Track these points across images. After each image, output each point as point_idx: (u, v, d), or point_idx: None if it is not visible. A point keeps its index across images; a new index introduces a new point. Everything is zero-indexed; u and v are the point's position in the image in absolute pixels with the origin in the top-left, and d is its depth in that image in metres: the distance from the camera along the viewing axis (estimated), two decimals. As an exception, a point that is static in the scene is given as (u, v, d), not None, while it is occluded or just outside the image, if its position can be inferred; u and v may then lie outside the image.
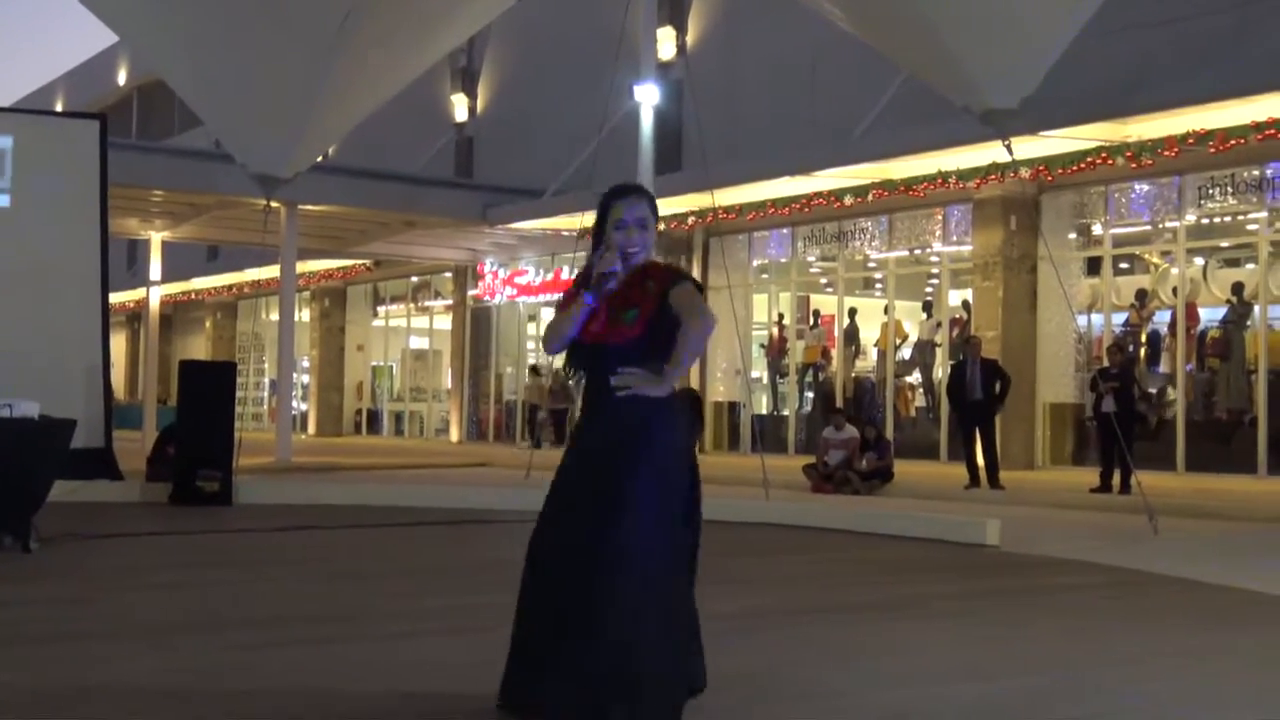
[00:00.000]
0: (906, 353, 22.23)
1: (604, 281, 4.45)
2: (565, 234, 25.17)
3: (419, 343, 34.85)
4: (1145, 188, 18.27)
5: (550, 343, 4.58)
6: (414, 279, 33.21)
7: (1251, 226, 17.70)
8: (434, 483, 16.59)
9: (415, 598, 7.47)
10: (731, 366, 23.76)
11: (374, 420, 34.84)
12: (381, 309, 35.08)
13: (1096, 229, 19.14)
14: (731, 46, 24.28)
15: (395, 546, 10.38)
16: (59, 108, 45.20)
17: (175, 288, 36.54)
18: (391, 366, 35.40)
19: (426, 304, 33.41)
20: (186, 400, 13.85)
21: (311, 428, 34.29)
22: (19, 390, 10.06)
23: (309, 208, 23.29)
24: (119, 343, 39.81)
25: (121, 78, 45.93)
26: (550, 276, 27.55)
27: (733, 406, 24.15)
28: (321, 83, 15.27)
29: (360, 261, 32.16)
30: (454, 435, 30.40)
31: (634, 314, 4.41)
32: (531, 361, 28.11)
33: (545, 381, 26.87)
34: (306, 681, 5.12)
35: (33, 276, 14.21)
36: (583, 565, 4.19)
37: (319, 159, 20.28)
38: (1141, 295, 19.16)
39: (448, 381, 31.63)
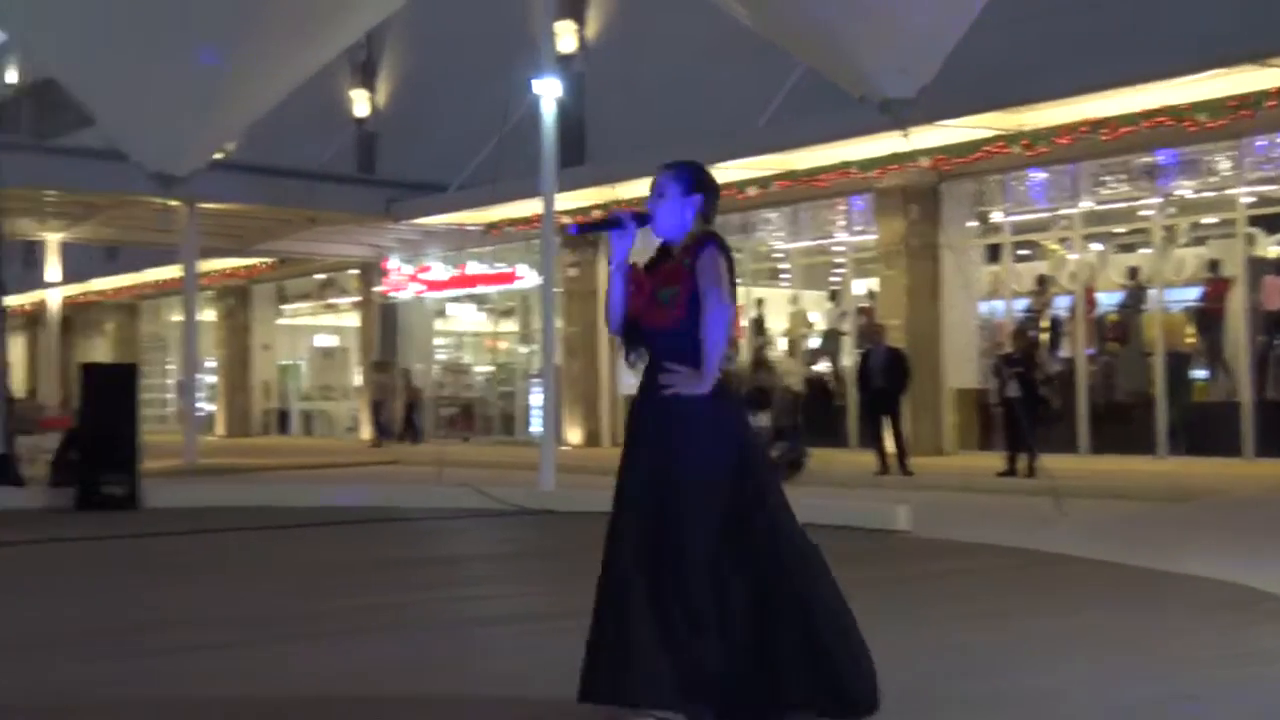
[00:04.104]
0: (814, 341, 22.43)
1: (608, 229, 4.39)
2: (470, 228, 25.08)
3: (326, 341, 34.51)
4: (1042, 175, 18.59)
5: (608, 321, 4.46)
6: (319, 276, 32.87)
7: (1145, 212, 18.07)
8: (344, 482, 16.48)
9: (326, 598, 7.43)
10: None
11: (283, 420, 34.45)
12: (287, 307, 34.68)
13: (996, 216, 19.43)
14: (631, 39, 24.29)
15: (304, 547, 10.30)
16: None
17: (75, 289, 35.85)
18: (299, 365, 35.03)
19: (332, 301, 33.10)
20: (89, 404, 13.62)
21: (219, 429, 33.84)
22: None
23: (209, 206, 22.96)
24: (18, 346, 38.99)
25: (12, 76, 44.96)
26: (457, 271, 27.42)
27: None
28: (218, 78, 15.11)
29: (263, 260, 31.79)
30: (364, 433, 30.17)
31: (671, 293, 4.28)
32: (377, 358, 28.18)
33: (389, 379, 27.04)
34: (221, 686, 5.08)
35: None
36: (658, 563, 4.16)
37: (218, 156, 20.03)
38: (1041, 281, 19.50)
39: (356, 379, 31.37)
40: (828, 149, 19.03)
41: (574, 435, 24.09)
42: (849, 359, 20.80)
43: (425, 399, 28.44)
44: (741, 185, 20.84)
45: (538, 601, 7.47)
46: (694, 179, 4.51)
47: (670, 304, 4.26)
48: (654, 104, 23.26)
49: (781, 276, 23.26)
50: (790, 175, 20.11)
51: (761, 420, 16.42)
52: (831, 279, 22.49)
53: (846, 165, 19.24)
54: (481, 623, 6.70)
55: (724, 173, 20.61)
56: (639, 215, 4.46)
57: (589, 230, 4.65)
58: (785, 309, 22.73)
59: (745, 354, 22.75)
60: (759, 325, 22.96)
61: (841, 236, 21.29)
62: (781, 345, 22.86)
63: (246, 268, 32.83)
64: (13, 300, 27.00)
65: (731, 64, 21.77)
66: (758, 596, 4.15)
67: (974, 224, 19.64)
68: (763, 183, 20.56)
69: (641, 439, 4.33)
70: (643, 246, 4.53)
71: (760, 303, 22.92)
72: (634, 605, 4.13)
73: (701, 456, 4.19)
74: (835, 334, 21.85)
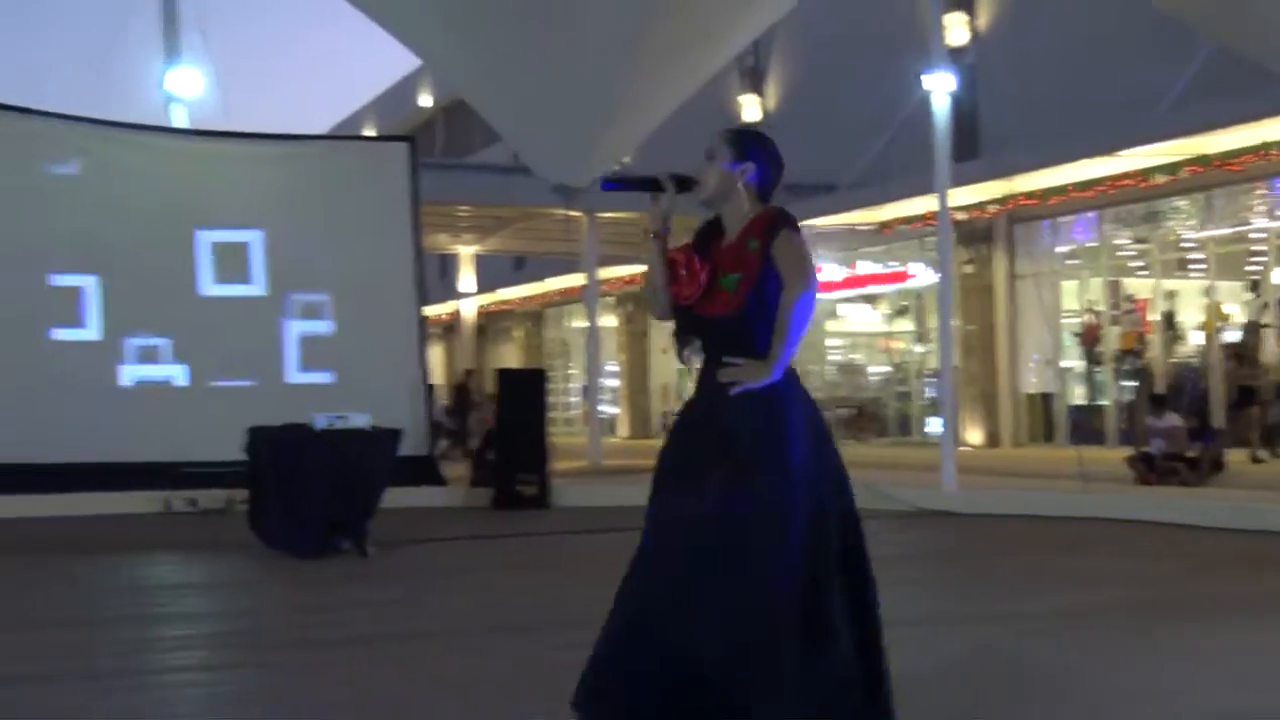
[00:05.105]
0: (1231, 335, 21.11)
1: (642, 190, 4.02)
2: (861, 228, 24.93)
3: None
4: None
5: (653, 304, 4.04)
6: (712, 280, 33.42)
7: None
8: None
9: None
10: (1043, 357, 23.07)
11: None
12: (681, 311, 35.45)
13: None
14: (1024, 27, 23.57)
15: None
16: (370, 132, 47.49)
17: (486, 298, 37.86)
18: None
19: (725, 304, 33.59)
20: (504, 407, 14.31)
21: (622, 431, 34.93)
22: (349, 403, 10.62)
23: (608, 215, 23.76)
24: (436, 353, 41.50)
25: (426, 100, 47.86)
26: (849, 271, 27.34)
27: (1046, 398, 23.42)
28: (614, 93, 15.62)
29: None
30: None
31: (735, 280, 3.79)
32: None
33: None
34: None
35: (356, 295, 14.98)
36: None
37: (616, 167, 20.69)
38: None
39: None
40: (1244, 130, 17.86)
41: (973, 436, 23.56)
42: (1272, 354, 19.48)
43: (820, 401, 28.53)
44: (1147, 173, 19.86)
45: (936, 603, 7.33)
46: (747, 144, 4.02)
47: (732, 291, 3.78)
48: (1050, 93, 22.48)
49: (1193, 267, 22.01)
50: (1201, 160, 18.98)
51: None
52: (1249, 268, 21.11)
53: (1267, 147, 18.00)
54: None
55: (1128, 160, 19.72)
56: (680, 178, 4.07)
57: (620, 189, 4.31)
58: (1198, 301, 21.49)
59: (1155, 349, 21.69)
60: (1170, 319, 21.81)
61: (1260, 223, 19.94)
62: (1196, 340, 21.65)
63: (644, 274, 33.74)
64: (431, 310, 28.80)
65: (1131, 47, 20.81)
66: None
67: None
68: (1170, 169, 19.50)
69: (686, 432, 3.88)
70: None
71: (1171, 295, 21.77)
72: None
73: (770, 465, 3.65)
74: (1255, 326, 20.48)
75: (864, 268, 26.83)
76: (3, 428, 13.65)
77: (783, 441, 3.67)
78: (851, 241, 26.41)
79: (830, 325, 29.67)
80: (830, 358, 29.66)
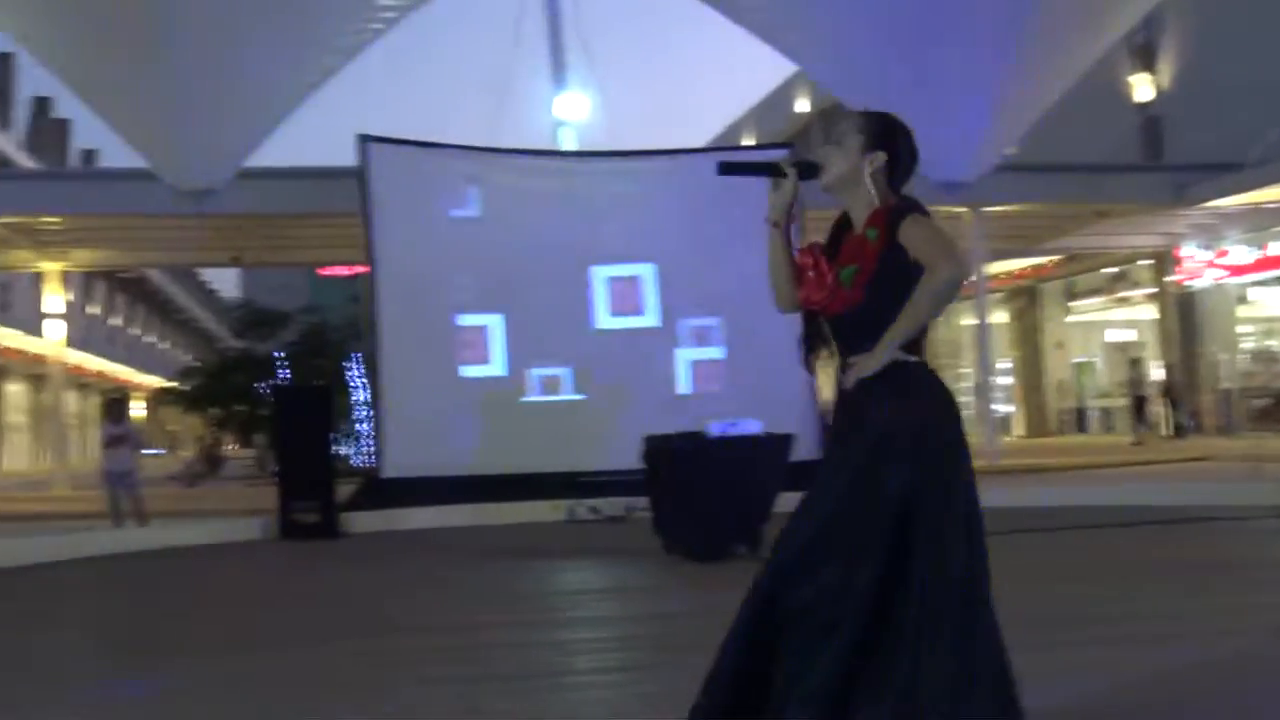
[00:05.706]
0: None
1: (761, 175, 3.74)
2: (1272, 206, 23.42)
3: (1119, 335, 33.68)
4: None
5: (777, 300, 3.85)
6: (1108, 270, 32.16)
7: None
8: (1146, 480, 15.96)
9: (1120, 602, 7.21)
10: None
11: (1080, 418, 34.07)
12: (1076, 304, 34.26)
13: None
14: None
15: (1106, 547, 10.06)
16: (748, 142, 48.09)
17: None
18: (1094, 362, 34.45)
19: (1124, 294, 32.24)
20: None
21: (1019, 429, 34.08)
22: (741, 410, 10.80)
23: (994, 209, 23.20)
24: (822, 358, 41.61)
25: (803, 104, 48.07)
26: (1260, 253, 25.71)
27: None
28: (996, 84, 15.27)
29: (1050, 259, 31.60)
30: (1164, 428, 29.04)
31: (852, 272, 3.58)
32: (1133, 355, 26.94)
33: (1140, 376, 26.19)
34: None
35: (743, 306, 15.19)
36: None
37: (999, 159, 20.20)
38: None
39: (1154, 373, 30.32)
40: None
41: None
42: None
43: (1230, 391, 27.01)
44: None
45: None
46: (879, 132, 3.72)
47: (849, 284, 3.56)
48: None
49: None
50: None
51: None
52: None
53: None
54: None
55: None
56: (804, 165, 3.72)
57: (737, 173, 3.89)
58: None
59: None
60: None
61: None
62: None
63: (1034, 267, 32.82)
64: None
65: None
66: None
67: None
68: None
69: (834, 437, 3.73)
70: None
71: None
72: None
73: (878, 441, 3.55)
74: None
75: (1276, 249, 25.17)
76: (425, 447, 14.57)
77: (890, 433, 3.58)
78: (1261, 221, 24.85)
79: (1240, 311, 28.01)
80: (1243, 345, 27.98)
